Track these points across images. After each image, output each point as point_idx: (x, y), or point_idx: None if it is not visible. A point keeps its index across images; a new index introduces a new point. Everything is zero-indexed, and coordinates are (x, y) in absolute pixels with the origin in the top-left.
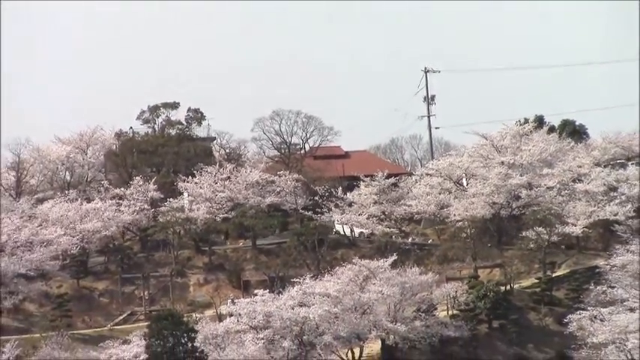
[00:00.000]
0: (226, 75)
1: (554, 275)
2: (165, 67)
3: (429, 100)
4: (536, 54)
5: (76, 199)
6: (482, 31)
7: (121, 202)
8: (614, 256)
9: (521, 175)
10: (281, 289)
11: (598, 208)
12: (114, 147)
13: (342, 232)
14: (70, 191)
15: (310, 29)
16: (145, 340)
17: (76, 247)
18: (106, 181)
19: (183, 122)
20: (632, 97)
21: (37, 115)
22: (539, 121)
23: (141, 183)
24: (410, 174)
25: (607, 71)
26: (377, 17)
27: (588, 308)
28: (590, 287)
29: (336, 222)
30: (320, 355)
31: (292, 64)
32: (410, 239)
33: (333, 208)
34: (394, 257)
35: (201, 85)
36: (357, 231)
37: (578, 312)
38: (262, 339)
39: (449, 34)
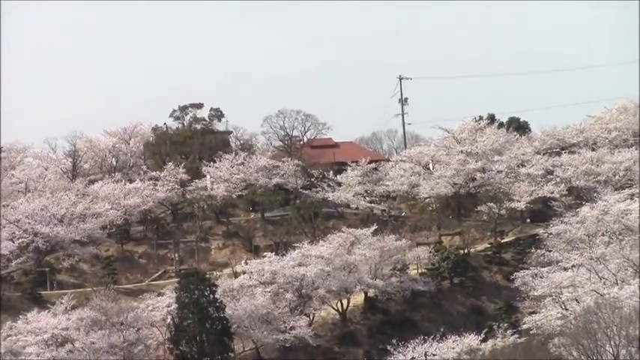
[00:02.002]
0: (233, 77)
1: (502, 241)
2: (191, 72)
3: (403, 101)
4: (491, 63)
5: (121, 180)
6: (450, 41)
7: (156, 182)
8: (551, 226)
9: (476, 162)
10: (284, 252)
11: (538, 187)
12: (151, 139)
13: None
14: (116, 174)
15: (306, 39)
16: (175, 292)
17: (121, 219)
18: (144, 166)
19: (207, 119)
20: (564, 100)
21: (89, 111)
22: (491, 119)
23: (172, 167)
24: (387, 160)
25: (545, 78)
26: (361, 30)
27: (530, 268)
28: (532, 251)
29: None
30: (316, 304)
31: (292, 68)
32: (388, 212)
33: (325, 187)
34: (375, 227)
35: (218, 87)
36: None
37: (522, 271)
38: (269, 292)
39: (421, 45)
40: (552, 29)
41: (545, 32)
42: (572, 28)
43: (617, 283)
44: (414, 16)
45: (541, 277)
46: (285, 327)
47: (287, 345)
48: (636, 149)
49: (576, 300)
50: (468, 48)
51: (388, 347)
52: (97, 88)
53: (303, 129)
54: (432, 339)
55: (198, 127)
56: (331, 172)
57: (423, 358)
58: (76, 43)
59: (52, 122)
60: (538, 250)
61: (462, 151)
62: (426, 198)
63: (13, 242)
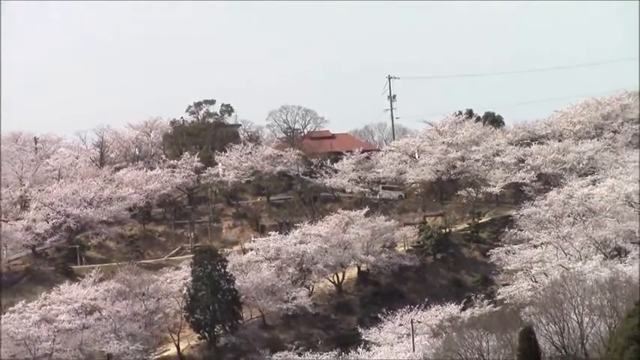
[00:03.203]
0: (241, 75)
1: (479, 222)
2: (204, 72)
3: (392, 98)
4: (470, 62)
5: (143, 168)
6: (433, 43)
7: (174, 170)
8: (522, 208)
9: (456, 151)
10: (287, 231)
11: (511, 174)
12: (169, 131)
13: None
14: (138, 162)
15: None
16: (190, 267)
17: (143, 202)
18: (163, 155)
19: (218, 114)
20: (532, 96)
21: (114, 106)
22: (469, 113)
23: (188, 157)
24: (378, 150)
25: (517, 77)
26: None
27: (504, 245)
28: (506, 230)
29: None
30: (315, 277)
31: (294, 67)
32: (378, 196)
33: (323, 174)
34: (367, 209)
35: (229, 85)
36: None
37: (497, 248)
38: (274, 266)
39: (411, 45)
40: (528, 32)
41: (521, 35)
42: (545, 30)
43: (580, 259)
44: (406, 18)
45: (514, 254)
46: (288, 297)
47: (289, 313)
48: (598, 140)
49: (545, 273)
50: (453, 50)
51: (379, 315)
52: (120, 85)
53: (303, 122)
54: (418, 308)
55: (211, 120)
56: (328, 160)
57: (410, 325)
58: (100, 45)
59: (81, 116)
60: (511, 230)
61: (443, 142)
62: (412, 183)
63: (48, 222)
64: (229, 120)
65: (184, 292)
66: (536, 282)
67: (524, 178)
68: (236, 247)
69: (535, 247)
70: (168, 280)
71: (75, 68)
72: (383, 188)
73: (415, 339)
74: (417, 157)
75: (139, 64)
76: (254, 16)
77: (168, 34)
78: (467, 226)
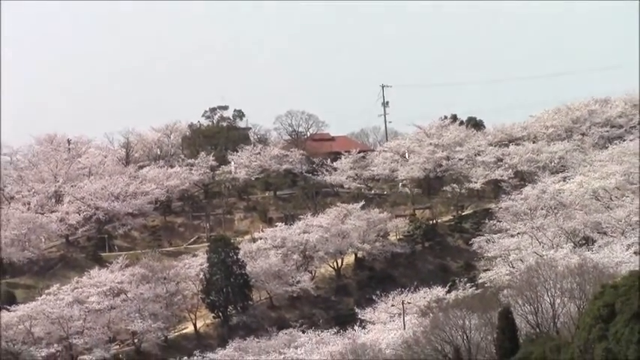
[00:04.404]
0: (252, 82)
1: (463, 214)
2: (215, 80)
3: (385, 104)
4: (456, 71)
5: (164, 166)
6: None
7: (192, 167)
8: (501, 202)
9: (442, 151)
10: (292, 223)
11: (490, 172)
12: (187, 133)
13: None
14: (160, 161)
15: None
16: (206, 254)
17: (164, 196)
18: (182, 155)
19: (231, 118)
20: (510, 103)
21: (137, 112)
22: (454, 118)
23: (204, 156)
24: (372, 150)
25: (496, 86)
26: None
27: (485, 234)
28: (486, 221)
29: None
30: (316, 263)
31: (298, 74)
32: (373, 191)
33: (324, 172)
34: (363, 202)
35: (242, 91)
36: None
37: (478, 237)
38: (280, 253)
39: (400, 57)
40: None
41: (499, 46)
42: (522, 41)
43: (553, 247)
44: (398, 27)
45: (493, 242)
46: (293, 281)
47: (294, 295)
48: (568, 142)
49: (521, 260)
50: (441, 58)
51: (373, 297)
52: (142, 90)
53: (306, 126)
54: (408, 291)
55: (224, 124)
56: (329, 159)
57: (401, 305)
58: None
59: (108, 118)
60: (491, 221)
61: (431, 144)
62: (403, 180)
63: (79, 214)
64: (241, 124)
65: (201, 276)
66: (513, 267)
67: (502, 175)
68: (247, 237)
69: (512, 236)
70: (186, 266)
71: (99, 79)
72: (402, 185)
73: (405, 318)
74: (407, 156)
75: (161, 72)
76: (259, 22)
77: (183, 47)
78: (451, 217)
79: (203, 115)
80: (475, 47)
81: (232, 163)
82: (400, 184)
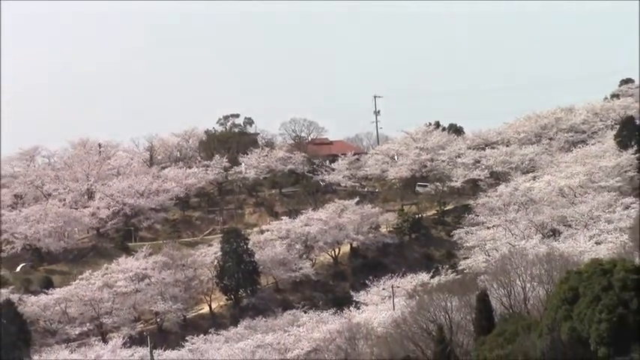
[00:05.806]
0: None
1: (445, 209)
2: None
3: (377, 112)
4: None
5: (183, 167)
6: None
7: (207, 168)
8: (478, 198)
9: (427, 154)
10: (295, 216)
11: (469, 172)
12: (203, 138)
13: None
14: (179, 163)
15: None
16: (220, 244)
17: (183, 193)
18: (199, 157)
19: (242, 124)
20: (486, 111)
21: (161, 119)
22: (437, 124)
23: (218, 158)
24: (365, 153)
25: (474, 96)
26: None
27: (464, 227)
28: (465, 215)
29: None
30: (317, 252)
31: (300, 84)
32: (366, 189)
33: (323, 172)
34: (357, 199)
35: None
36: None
37: (458, 229)
38: (284, 244)
39: (393, 68)
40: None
41: (477, 59)
42: (498, 55)
43: (524, 238)
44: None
45: (472, 234)
46: (296, 267)
47: (297, 280)
48: (537, 145)
49: (496, 249)
50: (426, 70)
51: (367, 282)
52: (165, 99)
53: (308, 131)
54: (397, 276)
55: (236, 130)
56: (327, 161)
57: (391, 289)
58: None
59: (134, 124)
60: (469, 215)
61: (417, 147)
62: (392, 179)
63: (109, 209)
64: (250, 130)
65: (215, 263)
66: (489, 256)
67: (479, 175)
68: (255, 229)
69: (488, 228)
70: (202, 254)
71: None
72: (418, 186)
73: (395, 300)
74: (396, 158)
75: (174, 79)
76: (261, 31)
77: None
78: (435, 212)
79: (217, 122)
80: (454, 60)
81: (243, 164)
82: (417, 186)
